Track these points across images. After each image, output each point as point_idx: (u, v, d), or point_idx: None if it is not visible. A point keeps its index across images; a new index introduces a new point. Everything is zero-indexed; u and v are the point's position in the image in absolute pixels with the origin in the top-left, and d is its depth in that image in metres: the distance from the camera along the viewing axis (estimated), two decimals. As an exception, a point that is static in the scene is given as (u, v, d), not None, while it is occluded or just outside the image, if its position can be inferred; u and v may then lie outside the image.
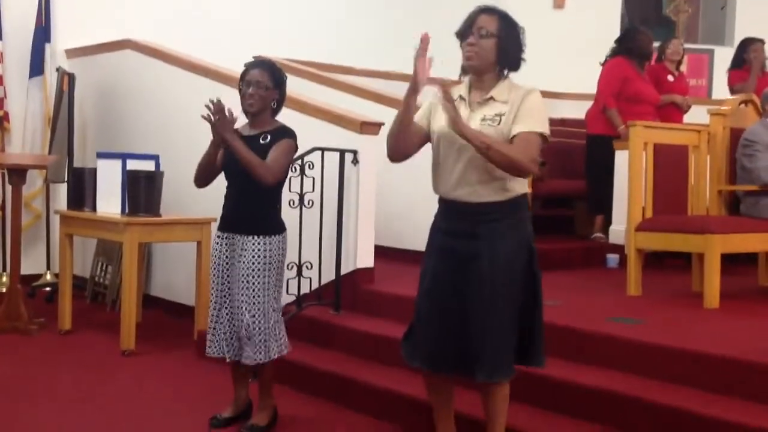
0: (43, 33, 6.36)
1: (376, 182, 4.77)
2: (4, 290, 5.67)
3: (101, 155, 5.14)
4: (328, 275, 4.67)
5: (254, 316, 3.42)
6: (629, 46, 6.21)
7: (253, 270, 3.42)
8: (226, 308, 3.50)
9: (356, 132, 4.68)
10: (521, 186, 2.83)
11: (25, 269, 5.56)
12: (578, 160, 6.50)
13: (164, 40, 6.17)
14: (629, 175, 4.72)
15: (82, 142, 6.43)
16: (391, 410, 3.67)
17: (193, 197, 4.90)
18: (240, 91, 3.51)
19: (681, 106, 6.47)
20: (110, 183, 4.95)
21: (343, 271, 4.66)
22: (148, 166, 4.95)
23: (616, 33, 7.11)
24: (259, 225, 3.45)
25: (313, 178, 4.52)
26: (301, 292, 4.60)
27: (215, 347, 3.52)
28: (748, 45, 6.76)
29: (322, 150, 4.56)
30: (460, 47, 2.83)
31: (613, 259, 5.74)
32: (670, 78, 6.55)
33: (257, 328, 3.43)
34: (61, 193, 6.29)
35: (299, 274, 4.56)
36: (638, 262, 4.62)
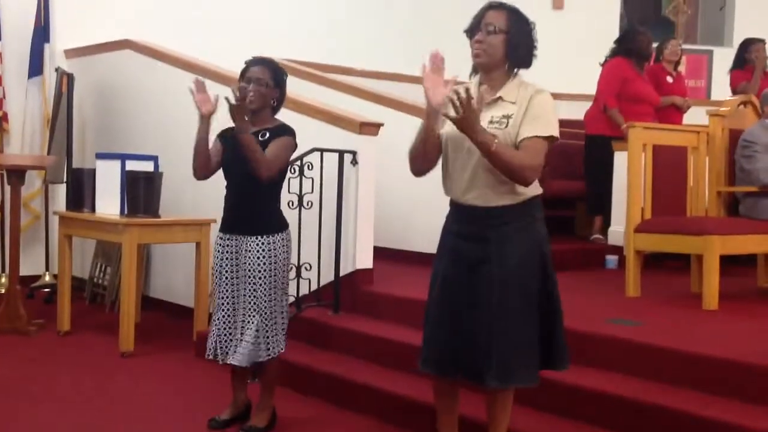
0: (42, 33, 6.36)
1: (375, 183, 4.77)
2: (3, 291, 5.67)
3: (100, 156, 5.14)
4: (327, 276, 4.67)
5: (263, 316, 3.42)
6: (629, 47, 6.21)
7: (260, 271, 3.42)
8: (239, 311, 3.48)
9: (355, 133, 4.68)
10: (532, 188, 2.76)
11: (24, 270, 5.56)
12: (577, 160, 6.50)
13: (163, 41, 6.17)
14: (628, 176, 4.72)
15: (81, 142, 6.43)
16: (391, 412, 3.66)
17: (193, 198, 4.91)
18: (241, 88, 3.50)
19: (681, 107, 6.48)
20: (109, 184, 4.95)
21: (342, 272, 4.66)
22: (147, 166, 4.94)
23: (615, 34, 7.12)
24: (261, 224, 3.45)
25: (312, 179, 4.52)
26: (300, 294, 4.59)
27: (235, 354, 3.45)
28: (749, 45, 6.78)
29: (321, 151, 4.56)
30: (470, 45, 2.79)
31: (612, 260, 5.74)
32: (669, 79, 6.55)
33: (267, 329, 3.43)
34: (60, 193, 6.29)
35: (298, 275, 4.56)
36: (637, 263, 4.62)
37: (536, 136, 2.67)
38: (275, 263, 3.44)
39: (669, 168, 4.80)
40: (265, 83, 3.44)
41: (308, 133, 4.59)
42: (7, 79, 6.32)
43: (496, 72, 2.77)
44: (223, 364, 3.52)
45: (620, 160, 5.58)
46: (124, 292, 4.74)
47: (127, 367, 4.52)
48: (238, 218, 3.47)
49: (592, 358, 3.57)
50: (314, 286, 4.67)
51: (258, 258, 3.42)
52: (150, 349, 4.80)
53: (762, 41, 6.77)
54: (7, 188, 5.41)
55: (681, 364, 3.33)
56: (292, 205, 4.43)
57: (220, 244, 3.52)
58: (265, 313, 3.43)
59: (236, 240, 3.48)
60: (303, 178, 4.48)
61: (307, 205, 4.53)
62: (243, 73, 3.50)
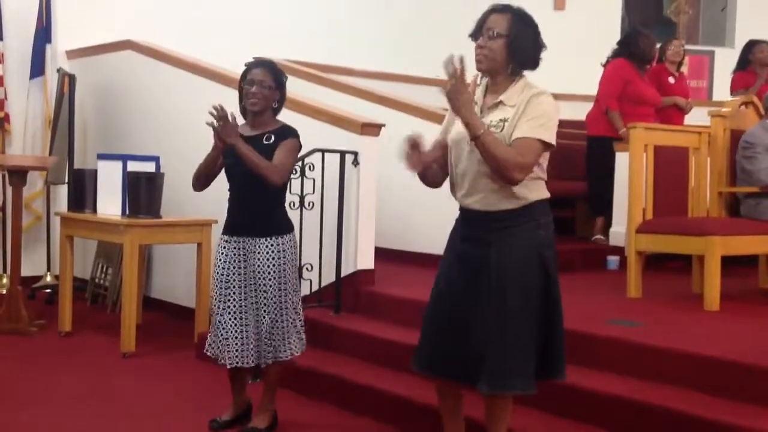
0: (43, 34, 6.35)
1: (377, 184, 4.77)
2: (4, 292, 5.67)
3: (102, 156, 5.14)
4: (329, 277, 4.67)
5: (274, 318, 3.42)
6: (632, 49, 6.20)
7: (270, 273, 3.41)
8: (250, 314, 3.47)
9: (357, 133, 4.69)
10: (535, 193, 2.72)
11: (26, 271, 5.56)
12: (579, 161, 6.50)
13: (165, 41, 6.17)
14: (630, 176, 4.72)
15: (82, 143, 6.43)
16: (392, 413, 3.66)
17: (194, 199, 4.89)
18: (241, 90, 3.51)
19: (683, 108, 6.47)
20: (111, 184, 4.95)
21: (344, 272, 4.66)
22: (149, 167, 4.94)
23: (617, 34, 7.13)
24: (268, 226, 3.45)
25: (314, 180, 4.52)
26: (302, 294, 4.59)
27: (246, 356, 3.45)
28: (752, 46, 6.79)
29: (323, 151, 4.56)
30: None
31: (613, 260, 5.74)
32: (671, 80, 6.55)
33: (277, 330, 3.43)
34: (61, 194, 6.29)
35: (299, 275, 4.56)
36: (638, 264, 4.62)
37: (529, 137, 2.63)
38: (284, 264, 3.44)
39: (670, 168, 4.80)
40: (267, 85, 3.44)
41: (309, 133, 4.58)
42: (8, 79, 6.32)
43: (499, 77, 2.74)
44: (222, 365, 3.51)
45: (622, 160, 5.58)
46: (126, 293, 4.74)
47: (129, 367, 4.52)
48: (245, 220, 3.47)
49: (593, 358, 3.57)
50: (315, 287, 4.67)
51: (267, 260, 3.41)
52: (151, 350, 4.80)
53: (766, 42, 6.77)
54: (9, 189, 5.41)
55: (682, 364, 3.33)
56: (294, 205, 4.43)
57: (225, 247, 3.50)
58: (275, 315, 3.43)
59: (243, 242, 3.47)
60: (304, 178, 4.48)
61: (309, 205, 4.53)
62: (244, 75, 3.50)
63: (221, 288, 3.49)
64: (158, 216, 4.85)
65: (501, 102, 2.72)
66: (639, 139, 4.70)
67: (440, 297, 2.81)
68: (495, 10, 2.74)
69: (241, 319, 3.47)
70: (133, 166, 4.90)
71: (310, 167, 4.50)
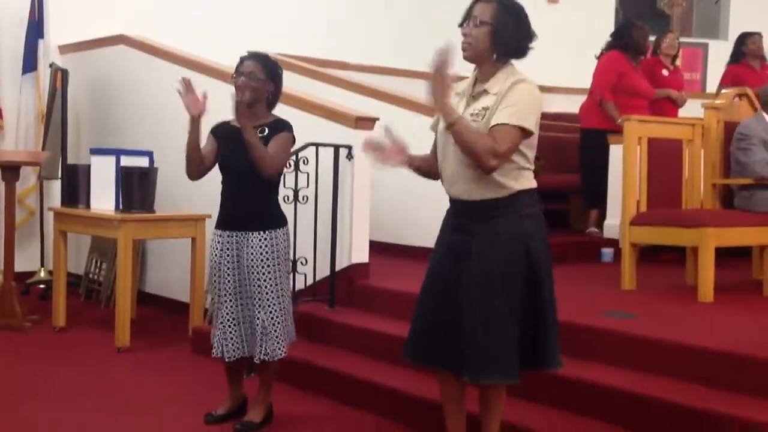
0: (36, 29, 6.33)
1: (371, 177, 4.76)
2: (-2, 287, 5.66)
3: (95, 151, 5.13)
4: (323, 271, 4.67)
5: (269, 312, 3.42)
6: (626, 41, 6.20)
7: (264, 266, 3.41)
8: (245, 308, 3.46)
9: (351, 127, 4.68)
10: (519, 182, 2.71)
11: (19, 266, 5.54)
12: (572, 154, 6.50)
13: (158, 36, 6.15)
14: (624, 169, 4.72)
15: (75, 138, 6.42)
16: (387, 406, 3.67)
17: (188, 194, 4.90)
18: (234, 82, 3.49)
19: (676, 101, 6.48)
20: (104, 179, 4.94)
21: (338, 266, 4.66)
22: (142, 162, 4.94)
23: (611, 27, 7.13)
24: (262, 220, 3.44)
25: (308, 174, 4.52)
26: (296, 288, 4.58)
27: (238, 349, 3.46)
28: (746, 38, 6.80)
29: (317, 145, 4.55)
30: None
31: (607, 253, 5.75)
32: (665, 72, 6.55)
33: (273, 324, 3.42)
34: (54, 189, 6.28)
35: (294, 269, 4.55)
36: (633, 256, 4.63)
37: (505, 124, 2.61)
38: (277, 258, 3.44)
39: (664, 161, 4.81)
40: (256, 77, 3.42)
41: (303, 127, 4.57)
42: (1, 75, 6.30)
43: (485, 65, 2.75)
44: (220, 359, 3.51)
45: (616, 153, 5.58)
46: (120, 288, 4.73)
47: (123, 362, 4.52)
48: (239, 214, 3.46)
49: (587, 350, 3.58)
50: (310, 281, 4.67)
51: (261, 253, 3.41)
52: (146, 345, 4.80)
53: (758, 34, 6.78)
54: (2, 184, 5.40)
55: (676, 356, 3.33)
56: (288, 199, 4.42)
57: (219, 241, 3.49)
58: (272, 309, 3.42)
59: (236, 236, 3.46)
60: (298, 172, 4.47)
61: (303, 199, 4.53)
62: (237, 68, 3.49)
63: (216, 282, 3.49)
64: (152, 211, 4.84)
65: (485, 90, 2.72)
66: (633, 131, 4.70)
67: (430, 287, 2.83)
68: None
69: (236, 312, 3.46)
70: (127, 161, 4.89)
71: (304, 161, 4.49)
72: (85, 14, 6.61)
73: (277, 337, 3.43)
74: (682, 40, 7.38)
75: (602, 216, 6.06)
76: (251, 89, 3.41)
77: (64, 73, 5.91)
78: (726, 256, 4.63)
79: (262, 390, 3.56)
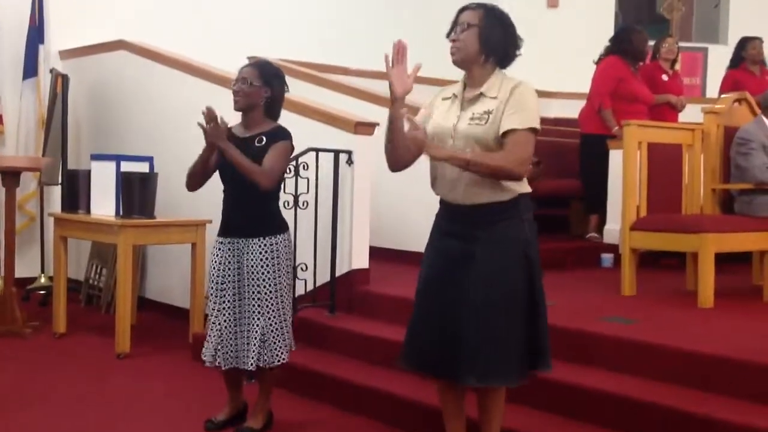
0: (36, 34, 6.34)
1: (371, 183, 4.76)
2: (-2, 293, 5.66)
3: (95, 157, 5.13)
4: (323, 277, 4.67)
5: (268, 319, 3.41)
6: (624, 46, 6.20)
7: (264, 273, 3.40)
8: (245, 316, 3.45)
9: (351, 132, 4.68)
10: (517, 186, 2.76)
11: (20, 272, 5.54)
12: (572, 159, 6.50)
13: (158, 41, 6.15)
14: (623, 174, 4.72)
15: (76, 144, 6.42)
16: (387, 412, 3.67)
17: (188, 199, 4.88)
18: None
19: (676, 105, 6.48)
20: (104, 185, 4.94)
21: (338, 272, 4.66)
22: (143, 167, 4.94)
23: (610, 32, 7.13)
24: (262, 226, 3.44)
25: (308, 179, 4.52)
26: (296, 294, 4.58)
27: (232, 358, 3.44)
28: (746, 43, 6.81)
29: (317, 151, 4.55)
30: None
31: (607, 258, 5.75)
32: (665, 77, 6.55)
33: (272, 331, 3.42)
34: (55, 195, 6.28)
35: (294, 275, 4.55)
36: (633, 261, 4.63)
37: (518, 129, 2.66)
38: (278, 265, 3.43)
39: (664, 166, 4.81)
40: (249, 82, 3.41)
41: (304, 132, 4.58)
42: (1, 80, 6.31)
43: (475, 69, 2.78)
44: (218, 367, 3.50)
45: (615, 158, 5.59)
46: (120, 294, 4.73)
47: (123, 368, 4.52)
48: (239, 221, 3.45)
49: (587, 355, 3.58)
50: (310, 287, 4.67)
51: (261, 260, 3.40)
52: (146, 351, 4.80)
53: (759, 39, 6.79)
54: (2, 190, 5.39)
55: (676, 361, 3.33)
56: (288, 205, 4.42)
57: (220, 248, 3.49)
58: (272, 317, 3.42)
59: (236, 243, 3.45)
60: (298, 178, 4.47)
61: (303, 205, 4.53)
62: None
63: (216, 290, 3.48)
64: (152, 216, 4.84)
65: (481, 94, 2.75)
66: (633, 136, 4.71)
67: (424, 294, 2.83)
68: (468, 7, 2.81)
69: (235, 320, 3.46)
70: (127, 167, 4.89)
71: (304, 166, 4.49)
72: (85, 20, 6.61)
73: (274, 344, 3.43)
74: (682, 44, 7.39)
75: (602, 221, 6.06)
76: (243, 96, 3.41)
77: (65, 78, 5.92)
78: (726, 261, 4.63)
79: (261, 396, 3.56)
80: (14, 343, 4.97)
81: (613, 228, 5.58)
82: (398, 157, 2.82)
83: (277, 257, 3.43)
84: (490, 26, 2.75)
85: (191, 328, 4.87)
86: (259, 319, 3.41)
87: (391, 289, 4.58)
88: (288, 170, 4.34)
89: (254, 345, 3.41)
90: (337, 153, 4.60)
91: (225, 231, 3.50)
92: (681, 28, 9.51)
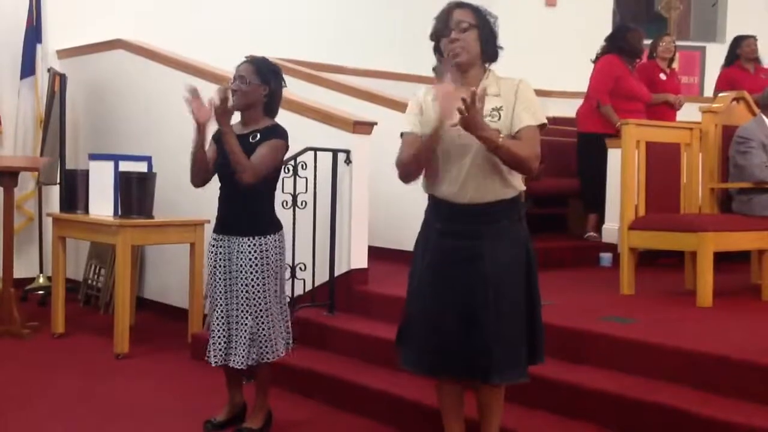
0: (34, 33, 6.33)
1: (369, 182, 4.76)
2: (-4, 293, 5.65)
3: (93, 157, 5.13)
4: (322, 276, 4.67)
5: (257, 318, 3.41)
6: (620, 44, 6.23)
7: (252, 272, 3.40)
8: (234, 313, 3.45)
9: (349, 132, 4.68)
10: (520, 183, 2.80)
11: (18, 273, 5.53)
12: (570, 158, 6.51)
13: (156, 40, 6.15)
14: (622, 173, 4.72)
15: (74, 143, 6.41)
16: (387, 412, 3.66)
17: (187, 199, 4.90)
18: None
19: (674, 104, 6.49)
20: (103, 185, 4.94)
21: (337, 272, 4.66)
22: (141, 167, 4.93)
23: (608, 31, 7.14)
24: (253, 225, 3.44)
25: (306, 179, 4.52)
26: (295, 294, 4.59)
27: (230, 356, 3.43)
28: (740, 41, 6.82)
29: (315, 150, 4.55)
30: (440, 47, 2.77)
31: (606, 257, 5.75)
32: (662, 76, 6.56)
33: (261, 330, 3.42)
34: (53, 195, 6.27)
35: (293, 275, 4.56)
36: (631, 260, 4.63)
37: (532, 125, 2.71)
38: (267, 264, 3.43)
39: (662, 165, 4.81)
40: (246, 81, 3.41)
41: (302, 132, 4.59)
42: (-2, 79, 6.31)
43: (472, 69, 2.77)
44: (216, 366, 3.50)
45: (614, 157, 5.59)
46: (119, 294, 4.73)
47: (122, 369, 4.51)
48: (231, 219, 3.46)
49: (585, 355, 3.58)
50: (309, 287, 4.67)
51: (250, 259, 3.41)
52: (145, 351, 4.80)
53: (753, 37, 6.80)
54: (0, 190, 5.39)
55: (675, 361, 3.33)
56: (286, 204, 4.43)
57: (214, 245, 3.51)
58: (259, 316, 3.42)
59: (228, 241, 3.46)
60: (297, 177, 4.47)
61: (301, 204, 4.52)
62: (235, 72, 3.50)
63: (209, 287, 3.51)
64: (150, 216, 4.84)
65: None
66: (631, 135, 4.71)
67: (430, 297, 2.77)
68: (457, 5, 2.78)
69: (226, 318, 3.46)
70: (125, 166, 4.88)
71: (302, 166, 4.49)
72: (83, 19, 6.61)
73: (263, 343, 3.42)
74: (680, 43, 7.40)
75: (601, 220, 6.07)
76: (241, 94, 3.41)
77: (63, 77, 5.91)
78: (724, 260, 4.63)
79: (258, 396, 3.56)
80: (13, 344, 4.96)
81: (612, 227, 5.59)
82: (417, 174, 2.82)
83: (266, 257, 3.42)
84: (485, 27, 2.76)
85: (190, 328, 4.86)
86: (247, 318, 3.41)
87: (390, 289, 4.58)
88: (286, 169, 4.34)
89: (243, 344, 3.40)
90: (335, 152, 4.60)
91: (219, 229, 3.51)
92: (679, 27, 9.53)
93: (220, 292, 3.47)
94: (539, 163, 2.73)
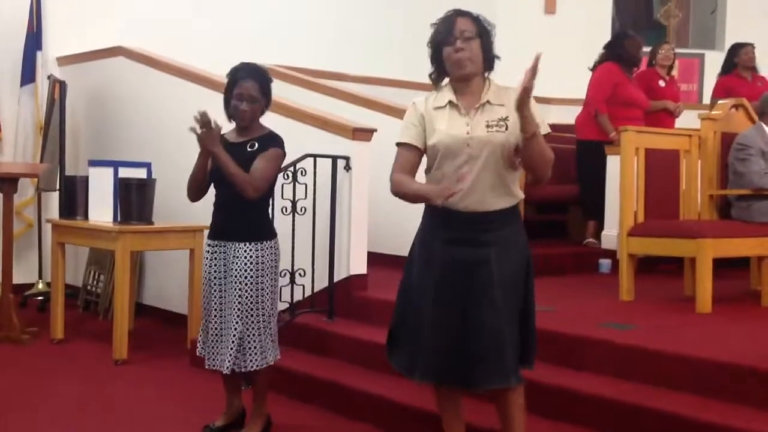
0: (34, 40, 6.34)
1: (369, 188, 4.77)
2: (-5, 299, 5.65)
3: (93, 163, 5.13)
4: (321, 282, 4.67)
5: (248, 324, 3.41)
6: (618, 52, 6.25)
7: (246, 277, 3.41)
8: (228, 319, 3.45)
9: (348, 138, 4.69)
10: (519, 192, 2.81)
11: (17, 278, 5.53)
12: (570, 165, 6.51)
13: (156, 47, 6.16)
14: (621, 180, 4.73)
15: (73, 150, 6.42)
16: (386, 418, 3.66)
17: (185, 205, 4.87)
18: (227, 98, 3.46)
19: (673, 112, 6.50)
20: (102, 191, 4.94)
21: (336, 278, 4.66)
22: (140, 173, 4.94)
23: (607, 38, 7.16)
24: (249, 231, 3.44)
25: (306, 185, 4.52)
26: (294, 300, 4.59)
27: (223, 361, 3.42)
28: (738, 49, 6.83)
29: (315, 156, 4.56)
30: (438, 55, 2.75)
31: (605, 264, 5.75)
32: (661, 83, 6.58)
33: (252, 336, 3.42)
34: (53, 201, 6.27)
35: (292, 281, 4.56)
36: (630, 267, 4.63)
37: (542, 134, 2.70)
38: (262, 270, 3.43)
39: (661, 172, 4.82)
40: (258, 100, 3.43)
41: (301, 138, 4.60)
42: (-1, 86, 6.31)
43: (475, 78, 2.75)
44: (212, 371, 3.50)
45: (613, 164, 5.60)
46: (118, 300, 4.72)
47: (121, 374, 4.51)
48: (228, 225, 3.46)
49: (585, 361, 3.58)
50: (308, 292, 4.67)
51: (245, 264, 3.41)
52: (144, 357, 4.79)
53: (751, 44, 6.82)
54: (0, 196, 5.39)
55: (675, 367, 3.33)
56: (286, 211, 4.43)
57: (210, 251, 3.51)
58: (251, 321, 3.42)
59: (224, 246, 3.46)
60: (296, 184, 4.48)
61: (301, 211, 4.53)
62: (231, 85, 3.44)
63: (205, 292, 3.52)
64: (150, 222, 4.84)
65: (488, 102, 2.74)
66: (630, 142, 4.72)
67: (435, 305, 2.74)
68: (459, 13, 2.76)
69: (220, 323, 3.46)
70: (125, 173, 4.89)
71: (302, 172, 4.50)
72: (83, 26, 6.62)
73: (250, 349, 3.42)
74: (679, 50, 7.42)
75: (600, 227, 6.07)
76: (251, 113, 3.41)
77: (63, 84, 5.92)
78: (724, 266, 4.63)
79: (256, 402, 3.56)
80: (12, 349, 4.96)
81: (611, 233, 5.59)
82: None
83: (262, 263, 3.43)
84: (487, 36, 2.75)
85: (189, 334, 4.86)
86: (237, 323, 3.40)
87: (389, 295, 4.53)
88: (286, 176, 4.36)
89: (231, 349, 3.40)
90: (334, 159, 4.61)
91: (214, 234, 3.51)
92: (678, 35, 9.55)
93: (216, 297, 3.48)
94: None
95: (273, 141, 3.46)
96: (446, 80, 2.82)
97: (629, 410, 3.16)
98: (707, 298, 4.29)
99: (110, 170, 4.92)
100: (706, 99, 8.57)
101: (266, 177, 3.39)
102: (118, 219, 4.85)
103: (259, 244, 3.43)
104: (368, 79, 7.50)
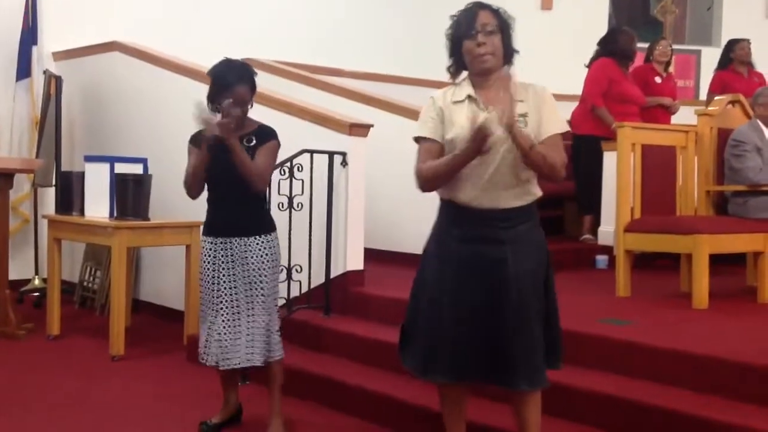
0: (29, 35, 6.32)
1: (366, 184, 4.76)
2: (-9, 295, 5.64)
3: (89, 159, 5.12)
4: (318, 278, 4.67)
5: (272, 314, 3.44)
6: (612, 47, 6.26)
7: (266, 269, 3.42)
8: (243, 315, 3.42)
9: (345, 134, 4.68)
10: (538, 190, 2.77)
11: (13, 274, 5.52)
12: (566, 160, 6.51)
13: (152, 42, 6.15)
14: (617, 176, 4.73)
15: (69, 145, 6.40)
16: (382, 414, 3.66)
17: (182, 201, 4.88)
18: (216, 95, 3.38)
19: (669, 108, 6.51)
20: (98, 187, 4.93)
21: (333, 273, 4.66)
22: (137, 169, 4.93)
23: (604, 33, 7.16)
24: (260, 224, 3.46)
25: (302, 181, 4.52)
26: (291, 296, 4.59)
27: (239, 358, 3.39)
28: (734, 44, 6.85)
29: (311, 152, 4.55)
30: (457, 48, 2.70)
31: (602, 260, 5.76)
32: (658, 79, 6.58)
33: (276, 326, 3.46)
34: (49, 197, 6.26)
35: (289, 277, 4.55)
36: (627, 263, 4.63)
37: (557, 133, 2.70)
38: (276, 261, 3.47)
39: (658, 168, 4.82)
40: (249, 100, 3.43)
41: (298, 134, 4.60)
42: (-6, 82, 6.29)
43: (494, 73, 2.71)
44: (216, 368, 3.48)
45: (609, 160, 5.60)
46: (114, 296, 4.72)
47: (118, 370, 4.51)
48: (235, 222, 3.43)
49: (582, 357, 3.57)
50: (305, 288, 4.67)
51: (262, 257, 3.41)
52: (140, 353, 4.79)
53: (747, 40, 6.83)
54: (-4, 192, 5.38)
55: (672, 363, 3.34)
56: (282, 206, 4.43)
57: (212, 249, 3.46)
58: (273, 312, 3.45)
59: (230, 243, 3.43)
60: (293, 179, 4.47)
61: (297, 206, 4.53)
62: (222, 89, 3.36)
63: (212, 291, 3.45)
64: (146, 218, 4.84)
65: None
66: (626, 138, 4.72)
67: (452, 304, 2.69)
68: (480, 6, 2.71)
69: (234, 320, 3.42)
70: (121, 168, 4.88)
71: (298, 168, 4.49)
72: (79, 21, 6.60)
73: (276, 340, 3.45)
74: (675, 47, 7.42)
75: (596, 223, 6.07)
76: (243, 115, 3.40)
77: (58, 79, 5.90)
78: (720, 262, 4.64)
79: (273, 398, 3.50)
80: (8, 345, 4.95)
81: (608, 229, 5.59)
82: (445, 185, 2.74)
83: (275, 254, 3.47)
84: (507, 30, 2.71)
85: (186, 330, 4.86)
86: (263, 315, 3.40)
87: (386, 291, 4.58)
88: (282, 172, 4.35)
89: (261, 342, 3.39)
90: (331, 154, 4.60)
91: (218, 231, 3.46)
92: (674, 31, 9.55)
93: (226, 295, 3.43)
94: (565, 170, 2.71)
95: (270, 133, 3.47)
96: (464, 74, 2.78)
97: (626, 406, 3.16)
98: (704, 294, 4.29)
99: (106, 166, 4.91)
100: (703, 95, 8.57)
101: (270, 169, 3.46)
102: (115, 215, 4.85)
103: (269, 235, 3.46)
104: (365, 75, 7.49)
